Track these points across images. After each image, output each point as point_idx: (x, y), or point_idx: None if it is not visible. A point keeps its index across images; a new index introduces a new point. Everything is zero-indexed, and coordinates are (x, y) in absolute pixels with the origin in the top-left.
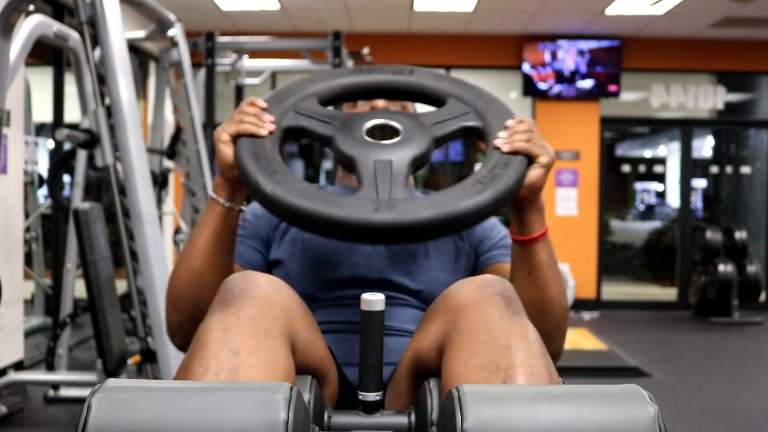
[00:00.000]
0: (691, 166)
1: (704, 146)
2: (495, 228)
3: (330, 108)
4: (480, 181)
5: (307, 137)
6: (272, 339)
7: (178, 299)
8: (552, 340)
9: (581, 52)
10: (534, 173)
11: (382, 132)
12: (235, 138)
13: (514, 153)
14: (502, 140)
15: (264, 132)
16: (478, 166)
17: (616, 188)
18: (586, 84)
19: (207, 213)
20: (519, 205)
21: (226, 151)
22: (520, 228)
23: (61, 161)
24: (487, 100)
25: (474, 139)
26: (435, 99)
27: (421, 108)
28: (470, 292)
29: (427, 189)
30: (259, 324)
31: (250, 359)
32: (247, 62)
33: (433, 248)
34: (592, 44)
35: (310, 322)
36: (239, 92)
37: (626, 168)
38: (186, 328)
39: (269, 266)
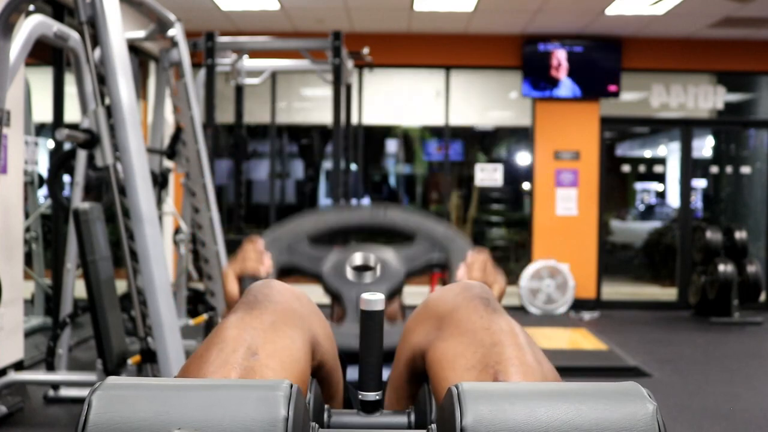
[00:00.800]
0: (691, 166)
1: (704, 146)
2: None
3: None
4: None
5: (299, 273)
6: (293, 345)
7: None
8: None
9: (581, 52)
10: None
11: (365, 266)
12: (240, 276)
13: None
14: (461, 273)
15: (263, 273)
16: (477, 166)
17: (616, 188)
18: (586, 84)
19: None
20: None
21: (233, 288)
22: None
23: (61, 161)
24: (450, 239)
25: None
26: (406, 235)
27: None
28: (450, 298)
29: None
30: (281, 330)
31: (269, 362)
32: (247, 62)
33: None
34: (592, 44)
35: (328, 332)
36: (239, 92)
37: (626, 168)
38: None
39: None
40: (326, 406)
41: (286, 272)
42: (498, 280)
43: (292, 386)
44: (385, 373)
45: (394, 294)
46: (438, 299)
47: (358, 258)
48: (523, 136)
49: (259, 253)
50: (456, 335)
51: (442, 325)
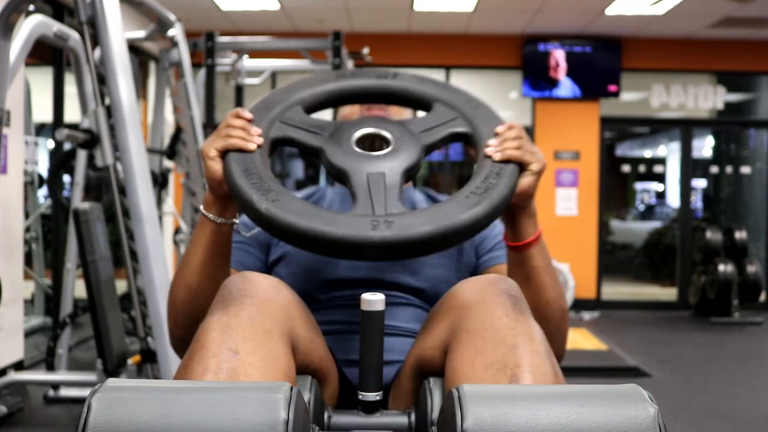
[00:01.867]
0: (691, 166)
1: (704, 146)
2: (495, 228)
3: (317, 115)
4: (475, 193)
5: (296, 147)
6: (272, 339)
7: (177, 315)
8: (553, 342)
9: (581, 52)
10: (526, 181)
11: (372, 142)
12: (223, 153)
13: (506, 161)
14: (493, 148)
15: (252, 146)
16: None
17: (616, 188)
18: (586, 84)
19: (199, 229)
20: (512, 211)
21: (215, 167)
22: (514, 234)
23: (61, 161)
24: (475, 105)
25: (464, 145)
26: (421, 103)
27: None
28: (476, 291)
29: (427, 187)
30: (259, 324)
31: (250, 359)
32: (247, 62)
33: None
34: (592, 44)
35: (311, 322)
36: (239, 92)
37: (626, 168)
38: (188, 342)
39: (269, 267)
40: (327, 407)
41: (279, 144)
42: (537, 158)
43: (292, 389)
44: (387, 373)
45: (410, 174)
46: (463, 291)
47: (366, 128)
48: None
49: (245, 125)
50: (480, 329)
51: (465, 317)
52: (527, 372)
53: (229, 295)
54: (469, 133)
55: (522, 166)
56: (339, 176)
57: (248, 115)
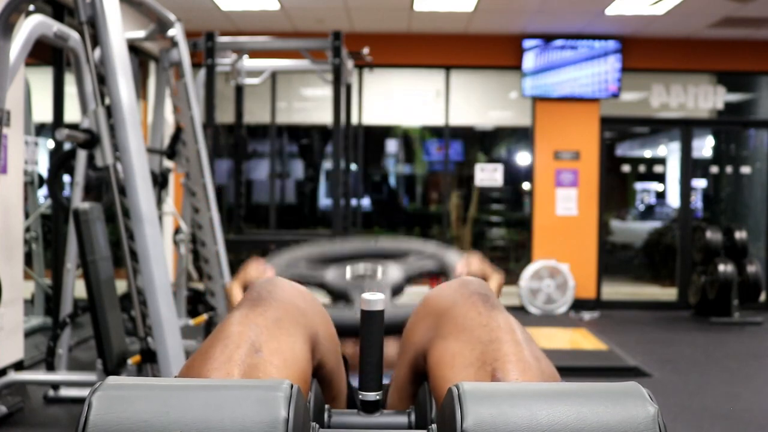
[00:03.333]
0: (691, 166)
1: (704, 146)
2: None
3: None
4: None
5: (302, 282)
6: (296, 343)
7: None
8: None
9: (581, 52)
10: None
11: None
12: (244, 287)
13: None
14: (461, 268)
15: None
16: (477, 166)
17: (616, 188)
18: (586, 84)
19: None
20: None
21: (237, 295)
22: None
23: (61, 161)
24: (442, 250)
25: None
26: (398, 256)
27: None
28: (448, 295)
29: None
30: (284, 327)
31: (272, 359)
32: (247, 62)
33: None
34: (592, 44)
35: (331, 330)
36: (239, 92)
37: (626, 168)
38: None
39: None
40: (327, 406)
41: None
42: (495, 276)
43: (292, 386)
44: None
45: (396, 294)
46: (436, 296)
47: (359, 266)
48: (523, 136)
49: (261, 267)
50: (455, 333)
51: (440, 323)
52: (507, 363)
53: (258, 295)
54: (440, 269)
55: (485, 279)
56: (339, 296)
57: (263, 263)
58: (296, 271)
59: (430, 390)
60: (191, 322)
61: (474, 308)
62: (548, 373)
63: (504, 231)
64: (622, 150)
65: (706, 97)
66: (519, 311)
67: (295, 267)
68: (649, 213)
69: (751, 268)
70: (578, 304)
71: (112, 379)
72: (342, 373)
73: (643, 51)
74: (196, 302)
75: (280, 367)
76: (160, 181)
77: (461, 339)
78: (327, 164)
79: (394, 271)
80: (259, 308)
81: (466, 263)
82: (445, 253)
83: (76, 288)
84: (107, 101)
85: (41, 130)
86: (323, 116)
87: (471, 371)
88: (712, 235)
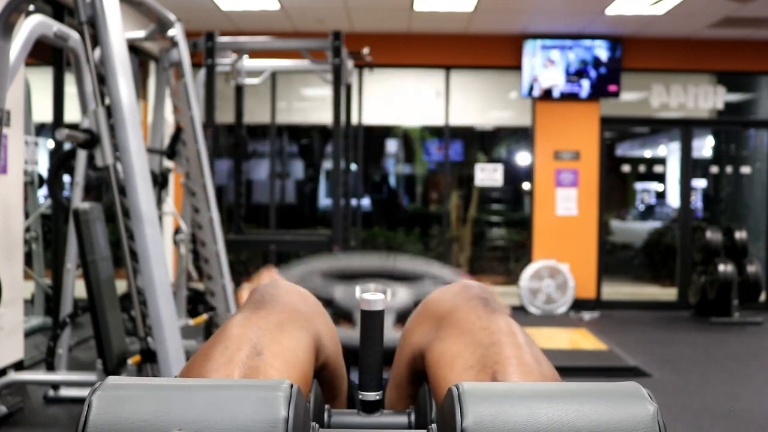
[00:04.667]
0: (691, 166)
1: (704, 146)
2: None
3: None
4: None
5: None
6: (298, 346)
7: None
8: None
9: (581, 52)
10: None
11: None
12: None
13: None
14: None
15: None
16: (477, 166)
17: (616, 188)
18: (586, 84)
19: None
20: None
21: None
22: None
23: (61, 161)
24: (457, 278)
25: None
26: (413, 279)
27: None
28: (449, 298)
29: None
30: (286, 330)
31: (273, 362)
32: (247, 62)
33: None
34: (592, 44)
35: (333, 332)
36: (239, 92)
37: (626, 168)
38: None
39: None
40: (327, 406)
41: None
42: (504, 310)
43: (292, 386)
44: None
45: (400, 320)
46: (437, 299)
47: (369, 286)
48: (523, 136)
49: (274, 277)
50: (454, 335)
51: (441, 325)
52: (508, 366)
53: (261, 298)
54: None
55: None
56: (345, 317)
57: (275, 272)
58: (308, 285)
59: (430, 390)
60: (191, 322)
61: (474, 311)
62: (549, 375)
63: (504, 231)
64: (622, 150)
65: (706, 97)
66: (519, 311)
67: (308, 281)
68: (649, 213)
69: (751, 268)
70: (578, 304)
71: (112, 379)
72: (343, 373)
73: (643, 51)
74: (196, 302)
75: (281, 369)
76: (160, 181)
77: (461, 341)
78: (327, 164)
79: (403, 296)
80: (261, 311)
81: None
82: (460, 280)
83: (76, 288)
84: (107, 101)
85: (41, 130)
86: (323, 116)
87: (471, 374)
88: (712, 235)
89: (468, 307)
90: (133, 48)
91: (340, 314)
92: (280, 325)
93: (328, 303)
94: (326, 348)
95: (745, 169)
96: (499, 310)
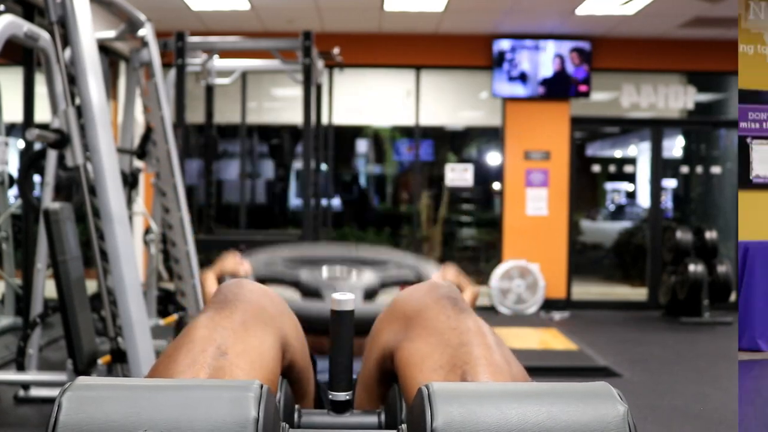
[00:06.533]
0: (661, 166)
1: (675, 146)
2: None
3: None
4: None
5: (276, 282)
6: (263, 345)
7: None
8: None
9: (551, 52)
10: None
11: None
12: (219, 277)
13: None
14: (437, 277)
15: (242, 272)
16: (447, 166)
17: (586, 188)
18: (556, 84)
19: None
20: None
21: (212, 287)
22: None
23: (32, 161)
24: (420, 261)
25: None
26: (377, 265)
27: None
28: (418, 298)
29: None
30: (251, 329)
31: (238, 361)
32: (218, 62)
33: None
34: (563, 44)
35: (299, 331)
36: (210, 92)
37: (597, 168)
38: None
39: None
40: (297, 406)
41: (262, 282)
42: (470, 288)
43: (262, 387)
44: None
45: (368, 297)
46: (406, 298)
47: (335, 268)
48: (493, 136)
49: (237, 260)
50: (424, 335)
51: (409, 325)
52: (477, 366)
53: (224, 298)
54: (417, 279)
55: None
56: (313, 294)
57: (239, 256)
58: (272, 269)
59: (400, 390)
60: (162, 322)
61: (443, 312)
62: (519, 375)
63: (474, 231)
64: (592, 150)
65: (676, 97)
66: (489, 311)
67: (272, 264)
68: (619, 213)
69: (722, 268)
70: (548, 304)
71: (82, 380)
72: (310, 372)
73: (614, 51)
74: (166, 302)
75: (247, 369)
76: (130, 181)
77: (431, 342)
78: (297, 164)
79: (368, 276)
80: (225, 311)
81: (442, 274)
82: (422, 264)
83: (47, 288)
84: (77, 101)
85: (11, 130)
86: (293, 116)
87: (441, 374)
88: (683, 235)
89: (437, 307)
90: (104, 48)
91: (307, 292)
92: (244, 324)
93: (295, 284)
94: (292, 347)
95: (716, 169)
96: (468, 310)
